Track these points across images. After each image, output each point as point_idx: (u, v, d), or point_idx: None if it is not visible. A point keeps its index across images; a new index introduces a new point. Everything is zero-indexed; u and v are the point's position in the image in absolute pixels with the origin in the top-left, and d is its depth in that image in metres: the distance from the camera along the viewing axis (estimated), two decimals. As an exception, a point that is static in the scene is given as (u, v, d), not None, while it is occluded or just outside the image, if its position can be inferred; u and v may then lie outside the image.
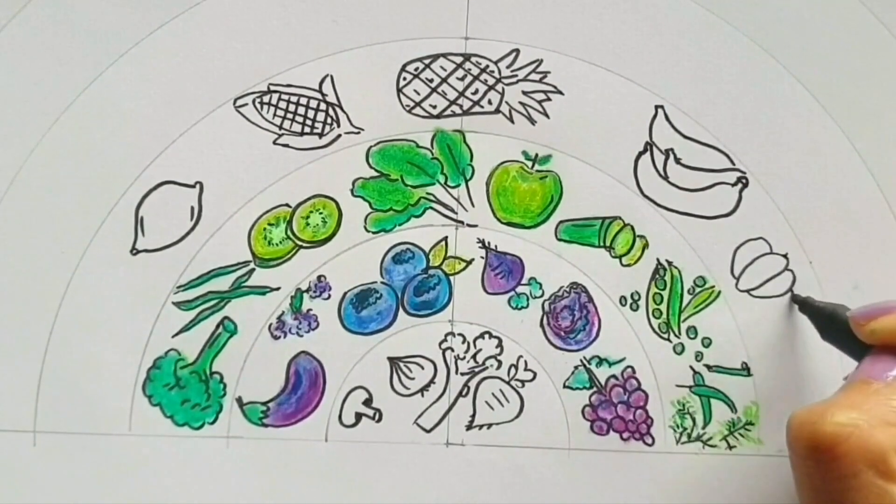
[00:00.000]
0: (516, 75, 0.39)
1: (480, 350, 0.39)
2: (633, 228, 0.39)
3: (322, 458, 0.38)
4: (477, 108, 0.39)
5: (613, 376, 0.39)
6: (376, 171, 0.39)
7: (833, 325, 0.36)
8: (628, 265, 0.39)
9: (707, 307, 0.39)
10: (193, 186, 0.38)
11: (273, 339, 0.38)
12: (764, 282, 0.39)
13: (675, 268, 0.39)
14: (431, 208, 0.39)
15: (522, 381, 0.39)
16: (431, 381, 0.38)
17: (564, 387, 0.39)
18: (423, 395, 0.38)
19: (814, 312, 0.38)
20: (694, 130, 0.39)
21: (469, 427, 0.38)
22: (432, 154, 0.39)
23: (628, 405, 0.39)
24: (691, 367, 0.39)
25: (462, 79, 0.39)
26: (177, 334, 0.38)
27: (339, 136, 0.39)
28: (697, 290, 0.39)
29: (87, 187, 0.38)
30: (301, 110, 0.38)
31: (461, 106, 0.39)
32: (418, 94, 0.39)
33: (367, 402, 0.38)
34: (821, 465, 0.29)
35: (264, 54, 0.38)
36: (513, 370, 0.39)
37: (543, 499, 0.38)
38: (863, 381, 0.31)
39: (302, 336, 0.38)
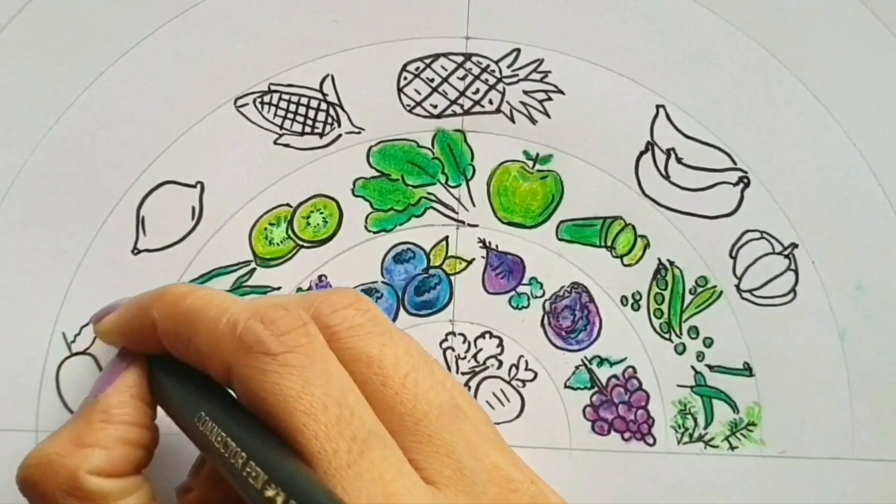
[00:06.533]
0: (517, 75, 0.39)
1: (481, 350, 0.39)
2: (634, 228, 0.39)
3: (322, 458, 0.38)
4: (478, 108, 0.39)
5: (614, 376, 0.39)
6: (377, 170, 0.39)
7: None
8: (629, 265, 0.39)
9: (709, 307, 0.39)
10: (194, 186, 0.38)
11: (274, 339, 0.38)
12: (766, 282, 0.39)
13: (677, 268, 0.39)
14: (432, 208, 0.39)
15: (523, 381, 0.39)
16: (432, 381, 0.38)
17: (565, 387, 0.39)
18: (423, 395, 0.38)
19: None
20: (695, 130, 0.39)
21: (470, 427, 0.38)
22: (433, 154, 0.39)
23: (629, 405, 0.39)
24: (693, 368, 0.39)
25: (463, 78, 0.39)
26: (178, 334, 0.38)
27: (340, 135, 0.39)
28: (699, 290, 0.39)
29: (87, 187, 0.38)
30: (302, 110, 0.38)
31: (462, 106, 0.39)
32: (419, 93, 0.39)
33: (368, 402, 0.38)
34: (32, 501, 0.31)
35: (265, 54, 0.38)
36: (513, 370, 0.39)
37: (544, 499, 0.38)
38: (84, 401, 0.32)
39: (303, 336, 0.38)
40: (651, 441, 0.39)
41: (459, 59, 0.39)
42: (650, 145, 0.39)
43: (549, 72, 0.39)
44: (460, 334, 0.39)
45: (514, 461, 0.31)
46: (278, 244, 0.38)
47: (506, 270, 0.39)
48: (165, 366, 0.32)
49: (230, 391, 0.30)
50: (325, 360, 0.29)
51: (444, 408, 0.29)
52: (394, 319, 0.39)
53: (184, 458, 0.36)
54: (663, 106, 0.39)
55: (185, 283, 0.32)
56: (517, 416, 0.38)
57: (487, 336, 0.39)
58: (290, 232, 0.38)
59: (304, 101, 0.38)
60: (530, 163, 0.39)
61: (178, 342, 0.31)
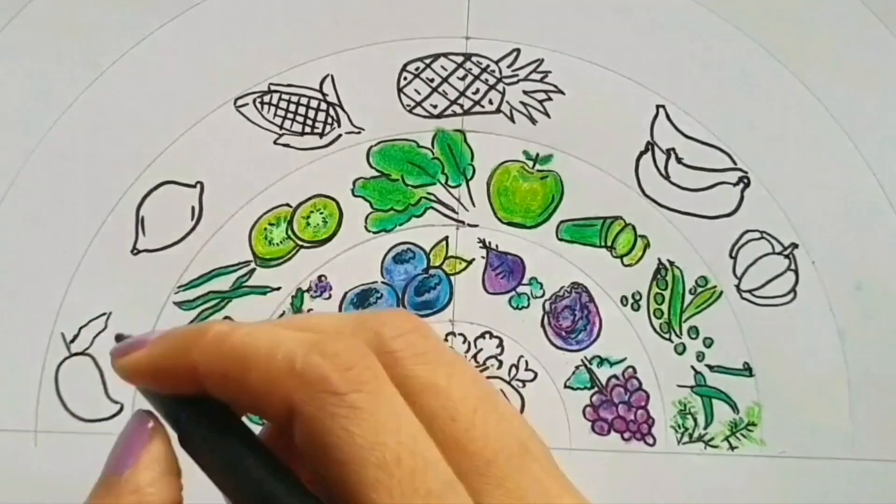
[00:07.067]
0: (517, 75, 0.39)
1: (481, 350, 0.39)
2: (634, 228, 0.39)
3: (322, 458, 0.38)
4: (478, 108, 0.39)
5: (614, 376, 0.39)
6: (377, 170, 0.39)
7: None
8: (629, 265, 0.39)
9: (709, 307, 0.39)
10: (194, 186, 0.38)
11: (274, 339, 0.38)
12: (766, 282, 0.39)
13: (677, 268, 0.39)
14: (432, 208, 0.39)
15: (523, 381, 0.39)
16: (432, 381, 0.38)
17: (565, 387, 0.39)
18: (423, 395, 0.38)
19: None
20: (695, 130, 0.39)
21: (470, 427, 0.38)
22: (433, 154, 0.39)
23: (629, 405, 0.39)
24: (693, 368, 0.39)
25: (463, 78, 0.39)
26: (178, 334, 0.38)
27: (340, 135, 0.39)
28: (699, 290, 0.39)
29: (87, 187, 0.38)
30: (302, 110, 0.38)
31: (462, 106, 0.39)
32: (419, 93, 0.39)
33: (368, 402, 0.38)
34: None
35: (264, 54, 0.38)
36: (514, 370, 0.39)
37: (544, 499, 0.38)
38: (106, 478, 0.29)
39: (303, 336, 0.38)
40: (651, 441, 0.39)
41: (459, 59, 0.39)
42: (650, 145, 0.39)
43: (549, 72, 0.39)
44: (460, 334, 0.39)
45: (582, 501, 0.30)
46: (278, 244, 0.38)
47: (506, 270, 0.39)
48: (190, 412, 0.30)
49: (256, 433, 0.29)
50: (393, 402, 0.27)
51: (513, 448, 0.28)
52: (394, 319, 0.38)
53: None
54: (663, 106, 0.39)
55: (221, 319, 0.31)
56: (517, 417, 0.38)
57: (487, 336, 0.39)
58: (289, 232, 0.38)
59: (304, 101, 0.38)
60: (530, 163, 0.39)
61: (226, 384, 0.29)
